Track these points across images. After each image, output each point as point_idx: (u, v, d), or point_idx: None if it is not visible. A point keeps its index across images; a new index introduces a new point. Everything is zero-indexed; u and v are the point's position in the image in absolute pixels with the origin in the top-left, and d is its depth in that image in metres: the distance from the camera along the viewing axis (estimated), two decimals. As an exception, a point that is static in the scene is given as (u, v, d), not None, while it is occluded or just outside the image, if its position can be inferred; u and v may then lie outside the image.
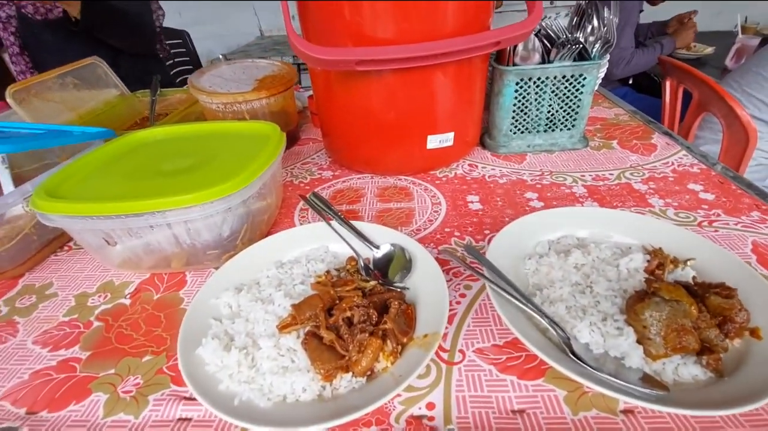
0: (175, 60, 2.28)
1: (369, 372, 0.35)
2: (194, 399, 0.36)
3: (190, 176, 0.51)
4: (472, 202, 0.61)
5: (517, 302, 0.38)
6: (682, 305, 0.34)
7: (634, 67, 1.67)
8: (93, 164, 0.56)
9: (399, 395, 0.35)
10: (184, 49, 2.30)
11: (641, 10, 1.74)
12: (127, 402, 0.37)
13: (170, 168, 0.54)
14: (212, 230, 0.47)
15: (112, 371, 0.40)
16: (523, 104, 0.70)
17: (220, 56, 0.72)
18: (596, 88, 0.87)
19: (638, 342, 0.34)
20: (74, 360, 0.42)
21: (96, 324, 0.46)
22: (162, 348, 0.42)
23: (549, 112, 0.71)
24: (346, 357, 0.35)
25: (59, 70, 0.81)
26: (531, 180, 0.66)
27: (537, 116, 0.71)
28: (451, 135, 0.66)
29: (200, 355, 0.37)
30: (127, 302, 0.49)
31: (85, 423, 0.35)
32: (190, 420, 0.35)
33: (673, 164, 0.66)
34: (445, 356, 0.38)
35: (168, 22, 2.45)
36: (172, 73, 2.24)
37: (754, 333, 0.35)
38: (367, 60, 0.52)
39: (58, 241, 0.59)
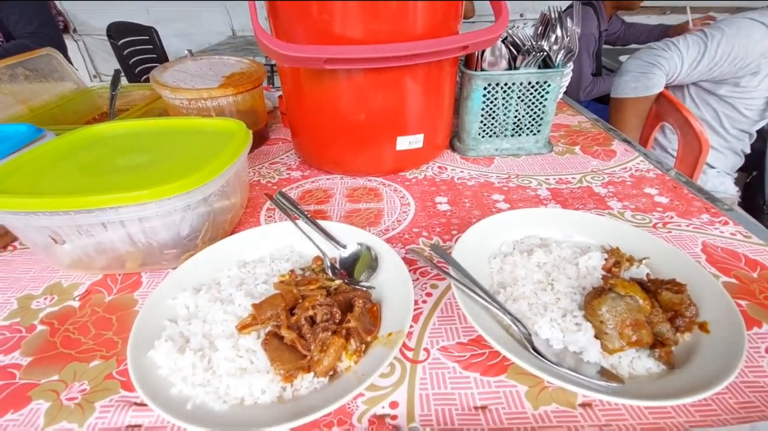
0: (141, 57, 2.20)
1: (331, 372, 0.34)
2: (145, 405, 0.34)
3: (148, 171, 0.48)
4: (440, 203, 0.62)
5: (481, 300, 0.38)
6: (636, 301, 0.35)
7: (596, 93, 1.78)
8: (43, 158, 0.52)
9: (362, 395, 0.34)
10: (151, 46, 2.23)
11: (605, 29, 1.83)
12: (71, 409, 0.34)
13: (127, 164, 0.51)
14: (170, 229, 0.45)
15: (56, 377, 0.37)
16: (491, 109, 0.71)
17: (186, 51, 0.70)
18: (560, 96, 0.91)
19: (596, 336, 0.35)
20: (13, 366, 0.39)
21: (40, 327, 0.43)
22: (112, 353, 0.40)
23: (516, 117, 0.73)
24: (308, 357, 0.34)
25: (9, 60, 0.77)
26: (498, 183, 0.67)
27: (504, 120, 0.73)
28: (420, 137, 0.66)
29: (152, 358, 0.35)
30: (76, 304, 0.46)
31: (22, 434, 0.33)
32: (140, 427, 0.33)
33: (630, 169, 0.69)
34: (410, 354, 0.38)
35: (135, 19, 2.38)
36: (137, 70, 2.16)
37: (702, 327, 0.36)
38: (336, 59, 0.52)
39: (1, 240, 0.55)
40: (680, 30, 1.99)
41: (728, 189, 1.25)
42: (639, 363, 0.34)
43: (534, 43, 0.67)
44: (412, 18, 0.55)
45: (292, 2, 0.55)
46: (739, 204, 1.27)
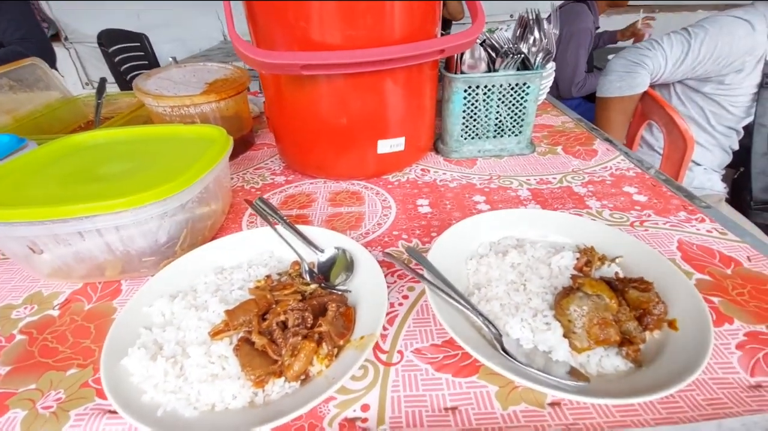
0: (133, 64, 2.20)
1: (303, 376, 0.35)
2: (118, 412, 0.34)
3: (128, 180, 0.49)
4: (421, 205, 0.62)
5: (453, 302, 0.39)
6: (603, 299, 0.35)
7: (588, 88, 1.79)
8: (24, 169, 0.53)
9: (334, 398, 0.35)
10: (143, 53, 2.23)
11: (597, 27, 1.85)
12: (47, 418, 0.35)
13: (108, 172, 0.52)
14: (147, 237, 0.45)
15: (33, 386, 0.38)
16: (472, 111, 0.72)
17: (170, 59, 0.70)
18: (544, 97, 0.91)
19: (565, 335, 0.36)
20: (-9, 376, 0.39)
21: (19, 337, 0.43)
22: (89, 361, 0.40)
23: (497, 118, 0.73)
24: (279, 362, 0.34)
25: (-7, 71, 0.77)
26: (480, 184, 0.67)
27: (486, 122, 0.73)
28: (401, 140, 0.66)
29: (125, 366, 0.35)
30: (56, 313, 0.46)
31: (-3, 443, 0.33)
32: (113, 434, 0.33)
33: (611, 168, 0.70)
34: (383, 357, 0.38)
35: (127, 25, 2.39)
36: (129, 77, 2.17)
37: (671, 324, 0.37)
38: (313, 65, 0.53)
39: (-18, 251, 0.55)
40: (628, 32, 2.06)
41: (715, 186, 1.26)
42: (607, 361, 0.35)
43: (512, 45, 0.67)
44: (389, 23, 0.56)
45: (269, 9, 0.55)
46: (727, 201, 1.28)
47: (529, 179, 0.68)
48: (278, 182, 0.72)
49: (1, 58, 1.41)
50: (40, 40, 1.57)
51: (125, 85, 2.16)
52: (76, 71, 2.96)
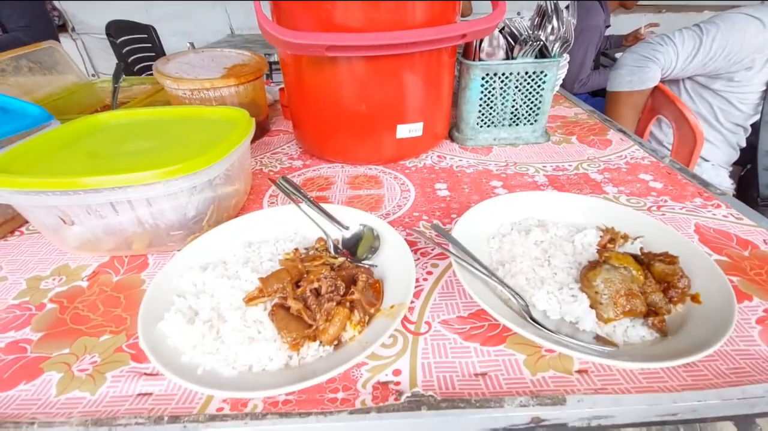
0: (140, 55, 2.20)
1: (336, 342, 0.35)
2: (155, 374, 0.35)
3: (154, 155, 0.50)
4: (440, 189, 0.63)
5: (480, 275, 0.40)
6: (630, 272, 0.36)
7: (589, 87, 1.80)
8: (50, 144, 0.53)
9: (366, 363, 0.35)
10: (150, 45, 2.23)
11: (608, 25, 1.86)
12: (83, 379, 0.36)
13: (133, 149, 0.52)
14: (177, 211, 0.46)
15: (67, 350, 0.38)
16: (488, 99, 0.73)
17: (188, 44, 0.71)
18: (557, 88, 0.92)
19: (591, 307, 0.36)
20: (24, 341, 0.40)
21: (49, 305, 0.44)
22: (121, 328, 0.41)
23: (513, 106, 0.74)
24: (314, 326, 0.35)
25: (13, 52, 0.77)
26: (496, 170, 0.68)
27: (502, 110, 0.74)
28: (420, 125, 0.67)
29: (162, 330, 0.36)
30: (84, 284, 0.47)
31: (36, 402, 0.34)
32: (150, 394, 0.34)
33: (626, 156, 0.71)
34: (411, 327, 0.39)
35: (135, 17, 2.39)
36: (136, 68, 2.17)
37: (694, 298, 0.38)
38: (338, 46, 0.53)
39: (8, 225, 0.56)
40: (631, 37, 2.09)
41: (723, 182, 1.27)
42: (633, 331, 0.36)
43: (531, 33, 0.68)
44: (412, 8, 0.56)
45: (295, -9, 0.56)
46: (734, 197, 1.29)
47: (545, 166, 0.69)
48: (296, 165, 0.73)
49: (2, 43, 1.41)
50: (43, 29, 1.57)
51: (133, 76, 2.17)
52: (83, 62, 2.96)
